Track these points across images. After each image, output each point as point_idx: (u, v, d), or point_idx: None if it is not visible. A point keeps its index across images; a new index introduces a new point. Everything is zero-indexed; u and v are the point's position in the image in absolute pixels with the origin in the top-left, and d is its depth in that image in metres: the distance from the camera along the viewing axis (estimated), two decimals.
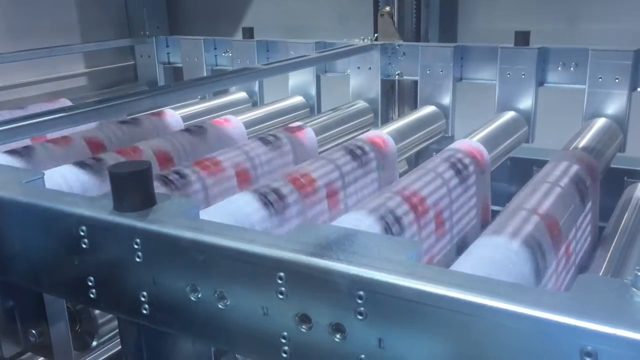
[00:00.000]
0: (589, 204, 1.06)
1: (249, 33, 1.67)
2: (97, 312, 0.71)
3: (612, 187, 1.26)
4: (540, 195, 0.92)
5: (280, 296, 0.44)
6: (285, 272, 0.43)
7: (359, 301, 0.41)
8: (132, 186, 0.50)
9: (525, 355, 0.36)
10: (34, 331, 0.67)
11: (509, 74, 1.37)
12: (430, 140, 1.44)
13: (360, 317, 0.41)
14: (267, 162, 1.17)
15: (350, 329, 0.42)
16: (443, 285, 0.38)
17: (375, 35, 1.54)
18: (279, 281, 0.43)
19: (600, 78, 1.29)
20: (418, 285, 0.39)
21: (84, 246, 0.52)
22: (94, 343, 0.72)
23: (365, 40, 1.51)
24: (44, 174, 0.61)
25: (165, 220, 0.49)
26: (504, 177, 1.51)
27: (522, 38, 1.35)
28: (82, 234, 0.52)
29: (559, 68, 1.35)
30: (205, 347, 0.54)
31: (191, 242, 0.47)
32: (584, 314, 0.34)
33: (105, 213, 0.51)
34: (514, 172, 1.50)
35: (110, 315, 0.73)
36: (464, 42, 1.48)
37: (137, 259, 0.50)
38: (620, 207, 1.18)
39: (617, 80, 1.27)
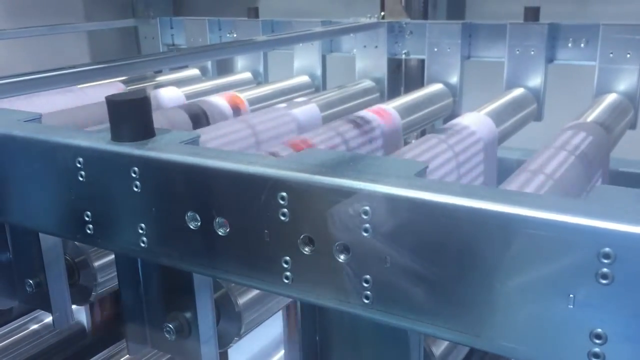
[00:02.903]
0: (599, 176, 1.04)
1: (254, 13, 1.65)
2: (95, 265, 0.70)
3: None
4: (550, 162, 0.90)
5: (283, 218, 0.42)
6: (288, 192, 0.41)
7: (365, 217, 0.39)
8: (131, 114, 0.48)
9: (541, 262, 0.34)
10: (30, 281, 0.65)
11: (518, 50, 1.35)
12: (437, 119, 1.42)
13: (365, 235, 0.39)
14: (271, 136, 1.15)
15: (356, 248, 0.40)
16: (454, 195, 0.36)
17: (382, 13, 1.52)
18: (281, 202, 0.42)
19: (612, 54, 1.26)
20: (428, 197, 0.37)
21: (80, 179, 0.51)
22: (92, 297, 0.70)
23: (372, 18, 1.49)
24: (41, 115, 0.59)
25: (164, 148, 0.47)
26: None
27: (532, 14, 1.33)
28: (78, 165, 0.50)
29: (569, 44, 1.33)
30: (205, 278, 0.52)
31: (190, 167, 0.45)
32: (600, 216, 0.32)
33: (102, 143, 0.49)
34: None
35: (109, 272, 0.71)
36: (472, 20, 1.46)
37: (135, 189, 0.48)
38: None
39: (628, 56, 1.25)
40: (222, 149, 1.05)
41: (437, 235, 0.37)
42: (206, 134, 1.03)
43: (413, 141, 1.48)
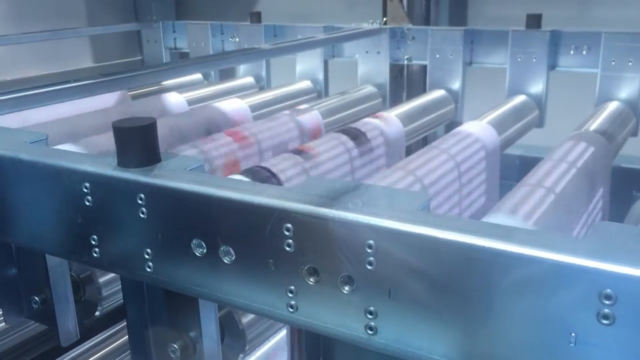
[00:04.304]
0: (601, 187, 1.05)
1: (256, 17, 1.66)
2: (101, 280, 0.70)
3: (620, 199, 1.23)
4: (551, 174, 0.91)
5: (288, 249, 0.42)
6: (293, 224, 0.42)
7: (369, 250, 0.39)
8: (137, 141, 0.49)
9: (543, 301, 0.34)
10: (36, 298, 0.66)
11: (520, 57, 1.35)
12: (439, 125, 1.43)
13: (369, 268, 0.40)
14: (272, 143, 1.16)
15: (360, 280, 0.40)
16: (457, 231, 0.37)
17: (384, 19, 1.52)
18: (287, 233, 0.42)
19: (613, 61, 1.27)
20: (431, 232, 0.37)
21: (87, 203, 0.51)
22: (97, 313, 0.71)
23: (374, 23, 1.50)
24: (47, 135, 0.60)
25: (170, 175, 0.48)
26: (514, 176, 1.49)
27: (534, 21, 1.33)
28: (85, 190, 0.51)
29: (571, 52, 1.33)
30: (210, 311, 0.53)
31: (196, 195, 0.46)
32: (602, 257, 0.33)
33: (109, 169, 0.50)
34: (523, 171, 1.48)
35: (113, 286, 0.72)
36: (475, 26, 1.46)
37: (141, 215, 0.48)
38: (630, 222, 1.15)
39: (630, 64, 1.25)
40: (226, 157, 1.06)
41: (440, 270, 0.37)
42: (208, 144, 1.03)
43: (415, 140, 1.48)
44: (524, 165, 1.49)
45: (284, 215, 0.42)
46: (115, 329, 0.89)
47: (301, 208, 0.41)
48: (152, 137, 0.50)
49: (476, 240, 0.36)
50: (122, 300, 0.64)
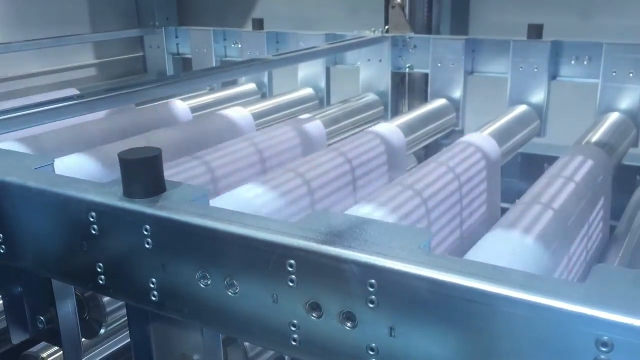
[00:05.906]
0: (602, 200, 1.05)
1: (258, 24, 1.66)
2: (105, 300, 0.71)
3: (623, 185, 1.24)
4: (553, 190, 0.91)
5: (291, 284, 0.43)
6: (296, 260, 0.43)
7: (371, 289, 0.40)
8: (143, 172, 0.50)
9: (540, 346, 0.35)
10: (42, 317, 0.67)
11: (521, 67, 1.36)
12: (441, 134, 1.43)
13: (371, 306, 0.40)
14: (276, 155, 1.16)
15: (361, 317, 0.41)
16: (456, 274, 0.37)
17: (386, 27, 1.53)
18: (290, 269, 0.43)
19: (615, 72, 1.27)
20: (431, 274, 0.38)
21: (93, 232, 0.52)
22: (102, 331, 0.72)
23: (376, 32, 1.50)
24: (54, 160, 0.61)
25: (176, 207, 0.48)
26: (515, 173, 1.50)
27: (536, 31, 1.33)
28: (92, 220, 0.52)
29: (573, 62, 1.33)
30: (214, 334, 0.53)
31: (201, 228, 0.46)
32: (600, 304, 0.34)
33: (115, 199, 0.50)
34: (525, 168, 1.49)
35: (118, 304, 0.73)
36: (476, 35, 1.47)
37: (147, 246, 0.49)
38: (632, 207, 1.16)
39: (631, 75, 1.26)
40: (230, 169, 1.06)
41: (440, 311, 0.38)
42: (210, 156, 1.04)
43: (416, 149, 1.49)
44: (526, 163, 1.49)
45: (287, 251, 0.43)
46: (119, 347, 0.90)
47: (304, 245, 0.42)
48: (158, 168, 0.50)
49: (475, 284, 0.37)
50: (126, 319, 0.65)
